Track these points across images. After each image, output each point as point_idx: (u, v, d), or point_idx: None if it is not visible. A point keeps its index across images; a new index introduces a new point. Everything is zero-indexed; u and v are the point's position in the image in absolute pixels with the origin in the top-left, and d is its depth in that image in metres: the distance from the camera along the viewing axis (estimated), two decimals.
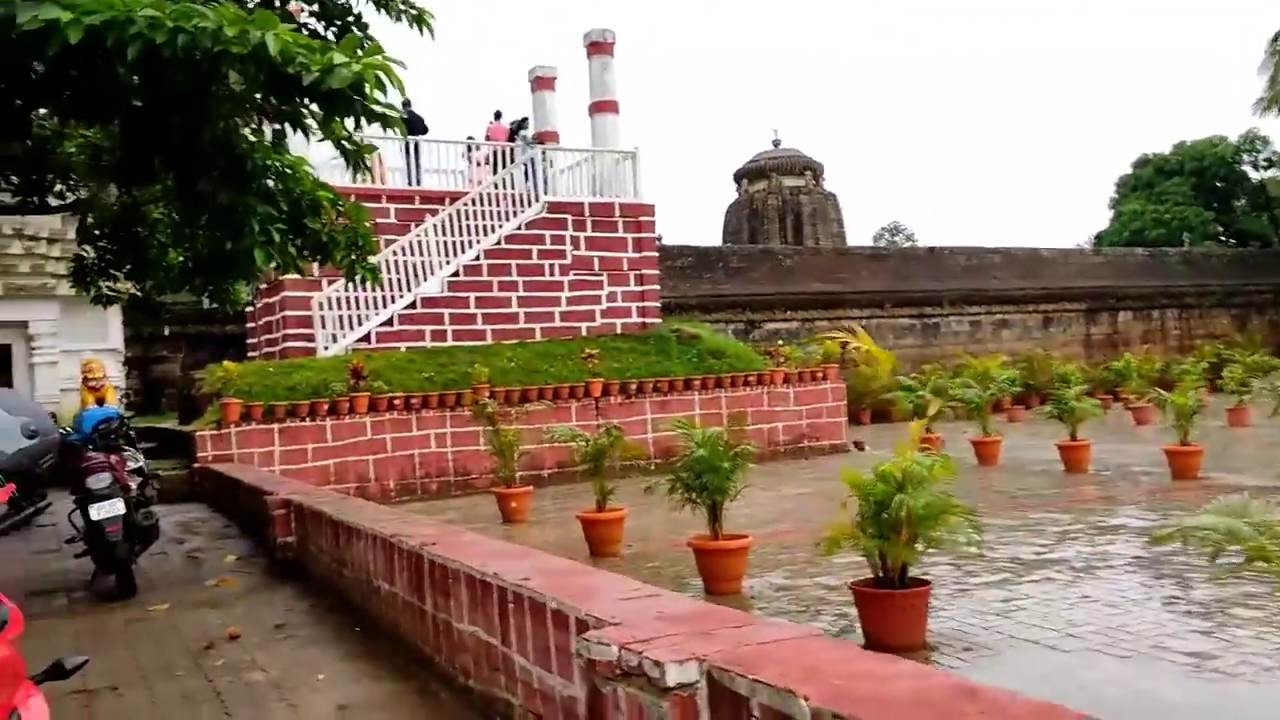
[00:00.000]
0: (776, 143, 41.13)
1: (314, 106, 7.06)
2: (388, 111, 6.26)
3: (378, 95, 6.22)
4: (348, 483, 14.44)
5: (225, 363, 14.43)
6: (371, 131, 7.75)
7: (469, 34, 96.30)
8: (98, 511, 7.25)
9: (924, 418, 16.35)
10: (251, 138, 7.78)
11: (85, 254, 11.81)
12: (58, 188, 10.94)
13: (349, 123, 7.55)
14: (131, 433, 11.77)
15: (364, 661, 5.52)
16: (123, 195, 10.97)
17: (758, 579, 8.33)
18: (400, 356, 16.19)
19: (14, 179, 10.61)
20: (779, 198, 39.01)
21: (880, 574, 6.54)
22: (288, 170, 8.17)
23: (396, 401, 14.87)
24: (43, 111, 9.83)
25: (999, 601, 7.60)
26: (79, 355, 18.11)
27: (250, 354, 19.61)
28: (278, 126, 7.73)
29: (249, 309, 20.01)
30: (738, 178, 40.51)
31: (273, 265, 8.13)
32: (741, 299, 27.06)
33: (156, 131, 7.07)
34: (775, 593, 7.98)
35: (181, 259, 11.43)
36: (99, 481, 7.37)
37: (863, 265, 30.49)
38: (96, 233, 11.50)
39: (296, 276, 17.77)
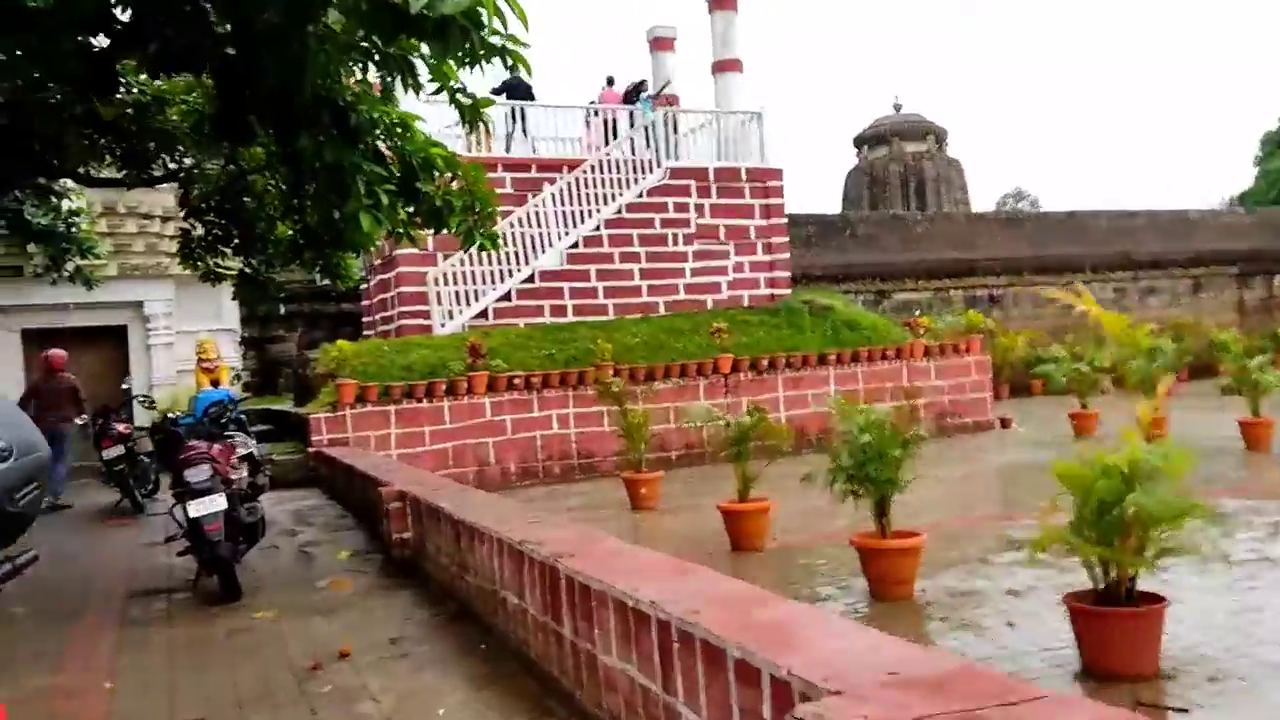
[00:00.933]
0: (898, 107, 39.27)
1: (424, 47, 6.23)
2: (509, 44, 5.34)
3: (496, 26, 5.32)
4: (466, 466, 13.76)
5: (340, 342, 13.88)
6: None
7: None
8: (196, 508, 6.57)
9: (1095, 393, 14.79)
10: (355, 89, 6.97)
11: (192, 228, 11.30)
12: (161, 158, 10.40)
13: (464, 74, 6.72)
14: (243, 416, 11.26)
15: (492, 690, 4.65)
16: (227, 165, 10.41)
17: (928, 580, 7.21)
18: (519, 333, 15.44)
19: (116, 149, 10.11)
20: (901, 164, 37.25)
21: (1102, 586, 5.38)
22: (397, 126, 7.35)
23: (516, 381, 14.11)
24: (142, 78, 9.27)
25: (1228, 613, 6.35)
26: (194, 336, 17.96)
27: (366, 332, 19.18)
28: (385, 75, 6.90)
29: (363, 286, 19.57)
30: (857, 143, 38.80)
31: (383, 233, 7.34)
32: (870, 268, 25.63)
33: (251, 81, 6.30)
34: (953, 599, 6.86)
35: (290, 232, 10.86)
36: (197, 475, 6.69)
37: (998, 231, 28.64)
38: (202, 206, 10.97)
39: (411, 251, 17.25)
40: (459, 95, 6.80)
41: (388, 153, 7.27)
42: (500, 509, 6.01)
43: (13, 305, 16.75)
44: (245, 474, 9.83)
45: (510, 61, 5.37)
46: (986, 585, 7.13)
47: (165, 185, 19.22)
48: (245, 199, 10.76)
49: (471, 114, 6.92)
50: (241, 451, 10.26)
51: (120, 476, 11.33)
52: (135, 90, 9.32)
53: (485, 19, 5.18)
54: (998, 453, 15.08)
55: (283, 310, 20.95)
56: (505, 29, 5.32)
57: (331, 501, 11.24)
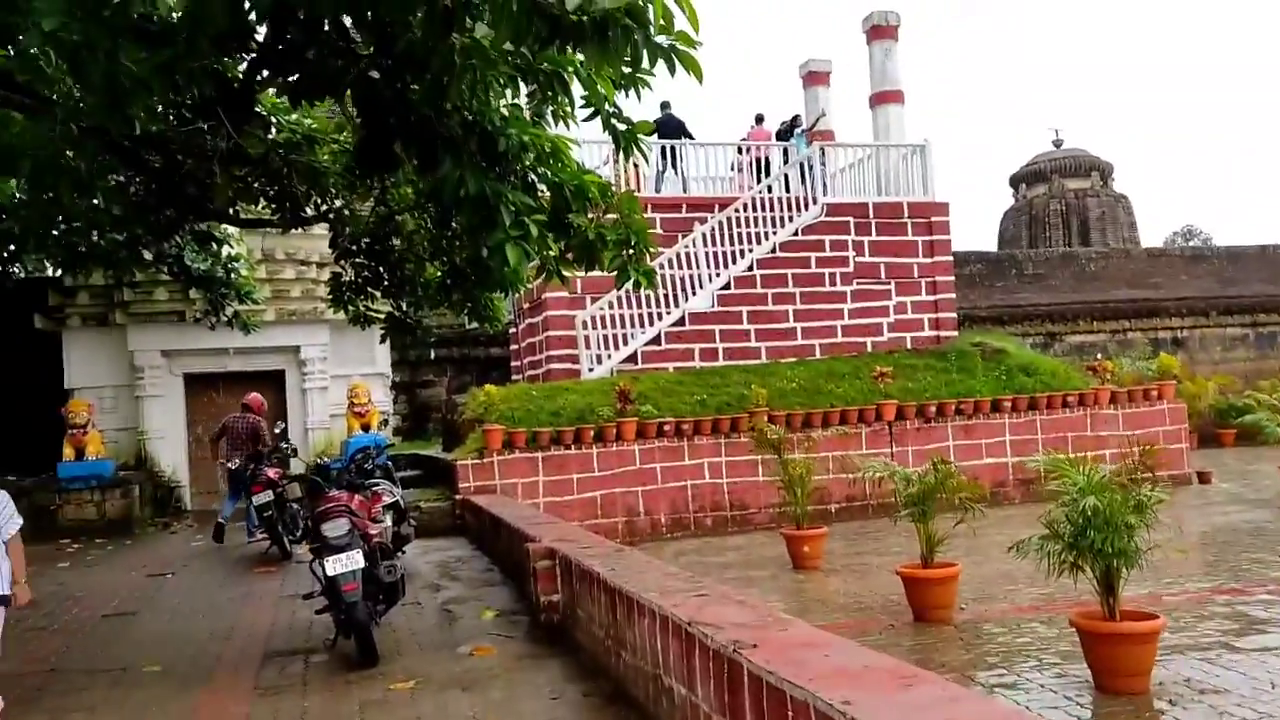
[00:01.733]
0: (1058, 143, 37.37)
1: (578, 58, 5.65)
2: (678, 43, 4.68)
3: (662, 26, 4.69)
4: (615, 516, 13.12)
5: (487, 386, 13.49)
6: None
7: (720, 37, 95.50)
8: (333, 565, 6.06)
9: None
10: (505, 112, 6.45)
11: (342, 271, 11.08)
12: (312, 199, 10.21)
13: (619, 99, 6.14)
14: (389, 462, 10.90)
15: None
16: (377, 206, 10.14)
17: (1160, 667, 6.10)
18: (669, 378, 14.78)
19: (269, 189, 9.96)
20: (1061, 202, 35.32)
21: None
22: (548, 152, 6.80)
23: (667, 427, 13.43)
24: (292, 117, 9.07)
25: None
26: (348, 380, 17.98)
27: (514, 376, 18.89)
28: (535, 96, 6.38)
29: (512, 330, 19.33)
30: (1014, 182, 37.01)
31: (530, 269, 6.78)
32: (1040, 309, 24.05)
33: (395, 106, 5.85)
34: (1199, 695, 5.73)
35: (439, 273, 10.51)
36: (335, 530, 6.19)
37: (1181, 268, 26.56)
38: (352, 248, 10.72)
39: (560, 294, 16.87)
40: (614, 120, 6.22)
41: (538, 183, 6.73)
42: (662, 576, 5.26)
43: (175, 350, 17.10)
44: (389, 523, 9.41)
45: (678, 66, 4.71)
46: (1238, 679, 5.96)
47: (320, 230, 19.58)
48: (394, 240, 10.49)
49: (627, 139, 6.32)
50: (386, 500, 9.87)
51: (269, 523, 11.11)
52: (284, 129, 9.12)
53: (651, 16, 4.55)
54: (1202, 512, 13.51)
55: (432, 355, 20.92)
56: (672, 29, 4.69)
57: (478, 553, 10.73)
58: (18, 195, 9.58)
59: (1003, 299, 23.92)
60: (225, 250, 15.77)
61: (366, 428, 16.01)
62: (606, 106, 6.11)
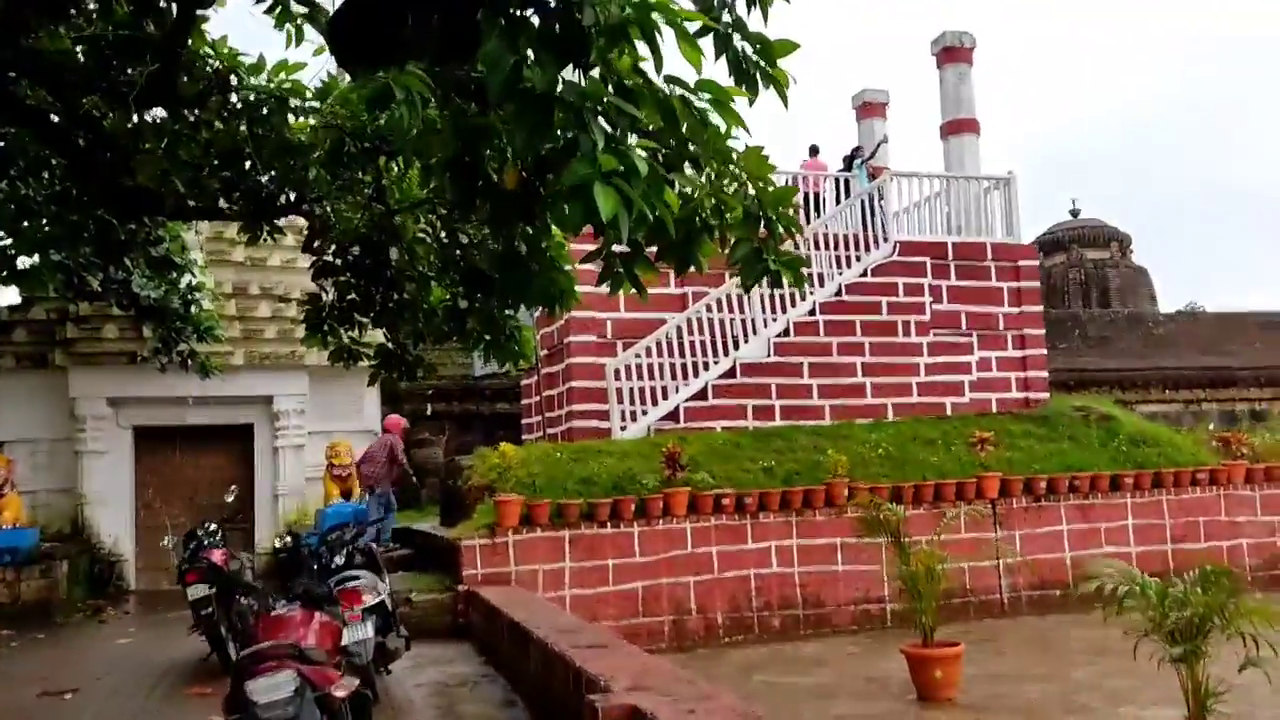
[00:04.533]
0: (1075, 212, 35.57)
1: None
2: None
3: None
4: (660, 614, 10.35)
5: (503, 445, 10.77)
6: None
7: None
8: None
9: None
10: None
11: (322, 292, 8.45)
12: (285, 194, 7.62)
13: None
14: (374, 545, 8.15)
15: None
16: (370, 205, 7.60)
17: None
18: (722, 439, 12.09)
19: (238, 185, 7.39)
20: (1080, 271, 33.32)
21: None
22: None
23: (726, 501, 10.72)
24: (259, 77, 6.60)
25: None
26: (329, 437, 15.28)
27: (525, 436, 16.14)
28: None
29: (524, 382, 16.65)
30: None
31: (626, 225, 4.18)
32: (1108, 375, 21.47)
33: None
34: None
35: (447, 296, 7.95)
36: (270, 692, 3.47)
37: (1256, 334, 24.11)
38: (335, 261, 8.12)
39: (587, 338, 14.21)
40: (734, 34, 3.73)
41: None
42: None
43: (125, 397, 14.38)
44: (370, 633, 6.68)
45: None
46: None
47: (303, 263, 16.95)
48: (390, 251, 7.92)
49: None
50: (368, 600, 7.14)
51: (209, 623, 8.29)
52: (245, 88, 6.59)
53: None
54: None
55: (429, 410, 18.18)
56: None
57: (489, 670, 7.94)
58: None
59: (1065, 362, 21.32)
60: (186, 279, 13.16)
61: (348, 494, 13.29)
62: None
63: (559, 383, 14.73)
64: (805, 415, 13.40)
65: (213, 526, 9.40)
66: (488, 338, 8.15)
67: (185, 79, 5.62)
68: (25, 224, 8.00)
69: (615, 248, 5.01)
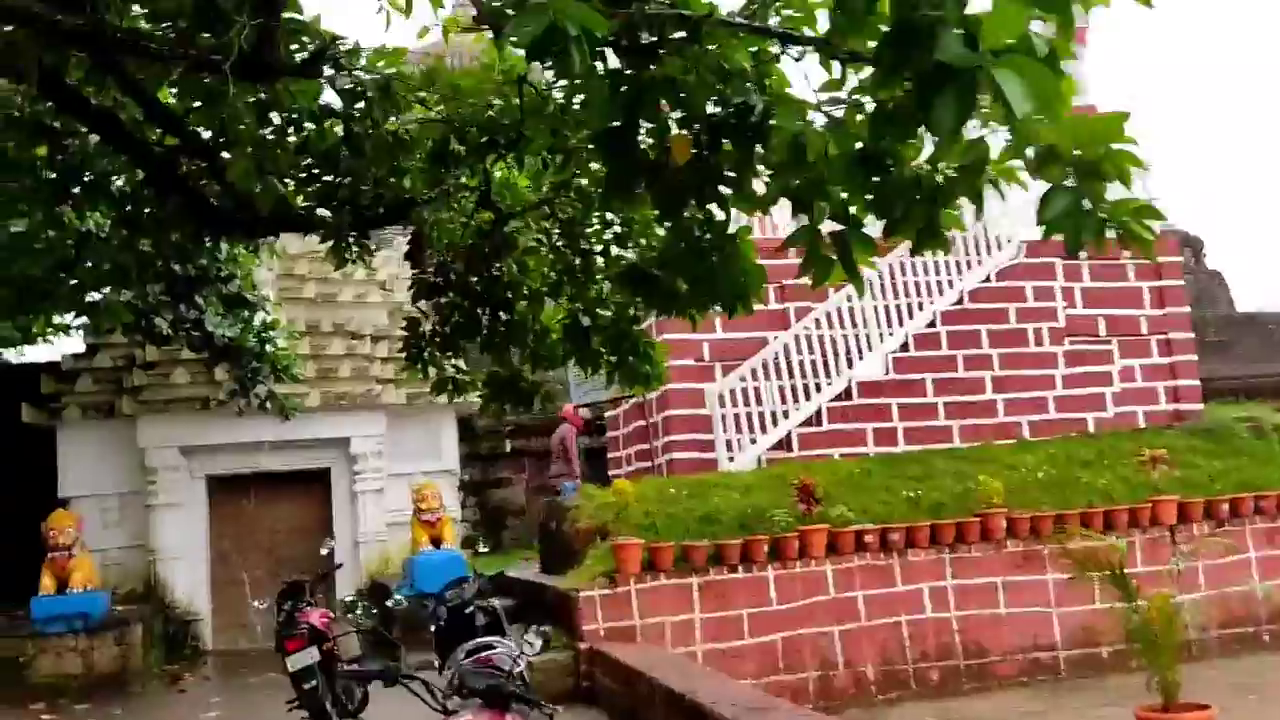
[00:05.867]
0: None
1: None
2: None
3: None
4: (803, 669, 9.14)
5: (619, 482, 9.67)
6: None
7: None
8: None
9: None
10: None
11: (422, 318, 7.43)
12: (380, 200, 6.64)
13: None
14: (496, 605, 7.05)
15: None
16: (476, 211, 6.62)
17: None
18: (849, 468, 10.87)
19: (322, 178, 6.42)
20: None
21: None
22: None
23: (868, 538, 9.52)
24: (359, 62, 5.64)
25: None
26: (408, 479, 14.28)
27: (612, 471, 15.05)
28: None
29: (609, 414, 15.59)
30: None
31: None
32: (1234, 383, 19.89)
33: None
34: None
35: (565, 312, 6.95)
36: None
37: None
38: (437, 280, 7.10)
39: (685, 361, 13.10)
40: None
41: None
42: None
43: (197, 445, 13.49)
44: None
45: None
46: None
47: (375, 298, 16.13)
48: (500, 264, 6.91)
49: None
50: (509, 665, 6.04)
51: (313, 698, 7.21)
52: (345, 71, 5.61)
53: None
54: None
55: (509, 447, 17.16)
56: None
57: None
58: None
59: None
60: (259, 317, 12.30)
61: (438, 541, 12.25)
62: None
63: (652, 412, 13.64)
64: (932, 438, 12.15)
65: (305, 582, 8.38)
66: (613, 359, 7.11)
67: (286, 48, 4.62)
68: (87, 257, 7.12)
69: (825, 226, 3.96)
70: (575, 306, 6.95)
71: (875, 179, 3.79)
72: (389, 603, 11.68)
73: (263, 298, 12.39)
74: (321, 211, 6.29)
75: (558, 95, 5.26)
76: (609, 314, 6.85)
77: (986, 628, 9.65)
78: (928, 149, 3.70)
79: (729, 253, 4.59)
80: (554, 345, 7.16)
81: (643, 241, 6.19)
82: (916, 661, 9.45)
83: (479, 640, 6.14)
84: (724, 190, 4.25)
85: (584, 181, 6.42)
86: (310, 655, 7.25)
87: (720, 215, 4.66)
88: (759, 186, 4.22)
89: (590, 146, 5.33)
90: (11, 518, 13.87)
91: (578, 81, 3.96)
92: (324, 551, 9.30)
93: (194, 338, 11.86)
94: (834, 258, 3.95)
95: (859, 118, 3.62)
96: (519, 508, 17.04)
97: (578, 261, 6.91)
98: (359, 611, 6.65)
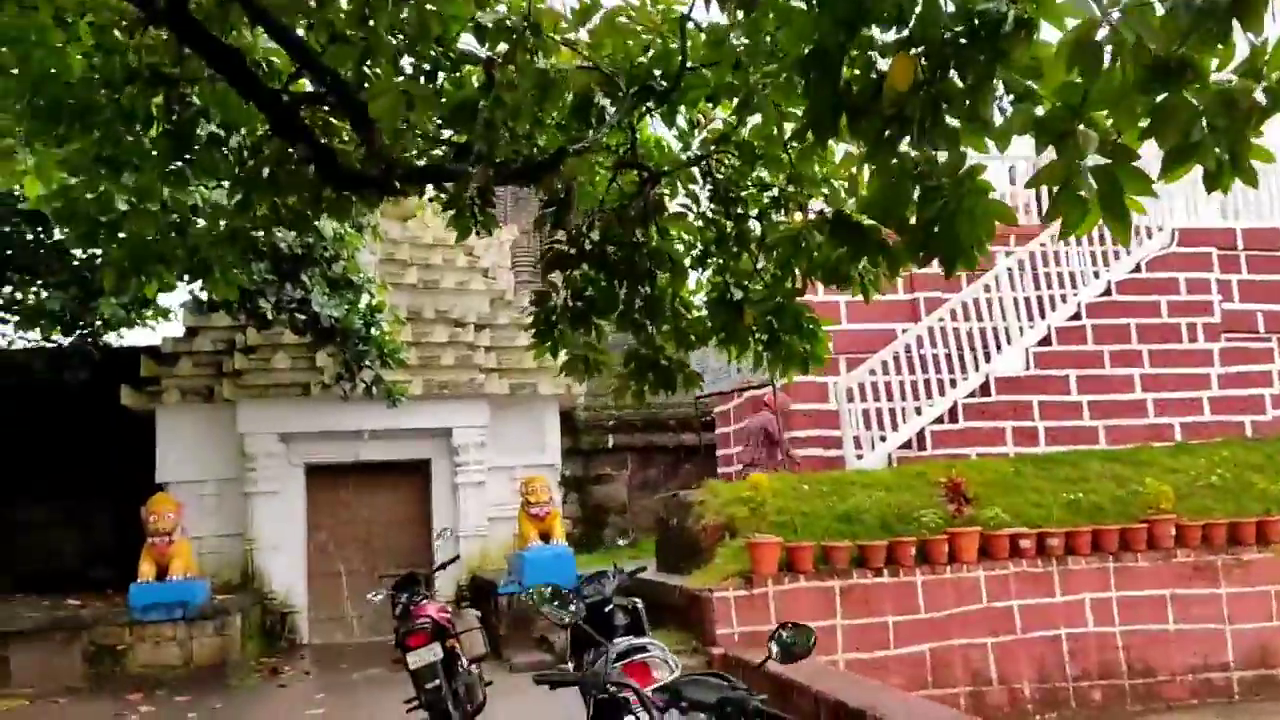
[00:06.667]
0: None
1: None
2: None
3: None
4: (954, 684, 8.35)
5: (754, 476, 9.00)
6: None
7: None
8: None
9: None
10: None
11: (552, 292, 6.80)
12: (516, 154, 6.04)
13: None
14: (638, 603, 6.41)
15: None
16: (617, 172, 6.04)
17: None
18: (997, 468, 10.03)
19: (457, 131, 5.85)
20: None
21: None
22: None
23: (1024, 543, 8.69)
24: None
25: None
26: (509, 473, 13.79)
27: (721, 469, 14.39)
28: None
29: (718, 409, 14.90)
30: None
31: None
32: None
33: None
34: None
35: (710, 287, 6.36)
36: None
37: None
38: (570, 251, 6.50)
39: None
40: None
41: None
42: None
43: (296, 433, 13.12)
44: None
45: None
46: None
47: (478, 285, 15.64)
48: (642, 232, 6.28)
49: None
50: (662, 678, 5.40)
51: (435, 697, 6.64)
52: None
53: None
54: None
55: (611, 443, 16.58)
56: None
57: None
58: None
59: None
60: (364, 299, 11.89)
61: (546, 536, 11.68)
62: None
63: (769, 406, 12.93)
64: (1076, 438, 11.24)
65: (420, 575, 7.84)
66: (764, 338, 6.42)
67: None
68: (202, 219, 6.64)
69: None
70: (723, 279, 6.31)
71: (1163, 97, 3.08)
72: (523, 596, 11.18)
73: (368, 279, 11.98)
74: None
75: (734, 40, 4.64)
76: (761, 287, 6.19)
77: (1154, 644, 8.75)
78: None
79: (965, 191, 3.88)
80: (696, 322, 6.51)
81: (839, 186, 5.52)
82: (1077, 679, 8.58)
83: (631, 641, 5.51)
84: (952, 122, 3.57)
85: (745, 133, 5.79)
86: (433, 652, 6.69)
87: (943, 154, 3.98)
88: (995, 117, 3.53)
89: (768, 86, 4.71)
90: (111, 503, 13.72)
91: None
92: (438, 539, 8.78)
93: (298, 319, 11.49)
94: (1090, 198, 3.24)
95: (1157, 13, 2.92)
96: (620, 505, 16.43)
97: (730, 227, 6.26)
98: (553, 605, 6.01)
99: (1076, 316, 11.82)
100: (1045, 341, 11.73)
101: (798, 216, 5.99)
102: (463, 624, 6.98)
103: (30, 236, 12.57)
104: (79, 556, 13.83)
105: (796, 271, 5.93)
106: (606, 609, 6.12)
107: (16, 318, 12.27)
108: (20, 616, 9.96)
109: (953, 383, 11.42)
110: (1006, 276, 11.74)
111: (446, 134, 5.76)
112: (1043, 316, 11.77)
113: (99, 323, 12.22)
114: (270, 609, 12.72)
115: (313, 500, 13.59)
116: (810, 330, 6.28)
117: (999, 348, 11.60)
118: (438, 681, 6.61)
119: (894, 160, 4.01)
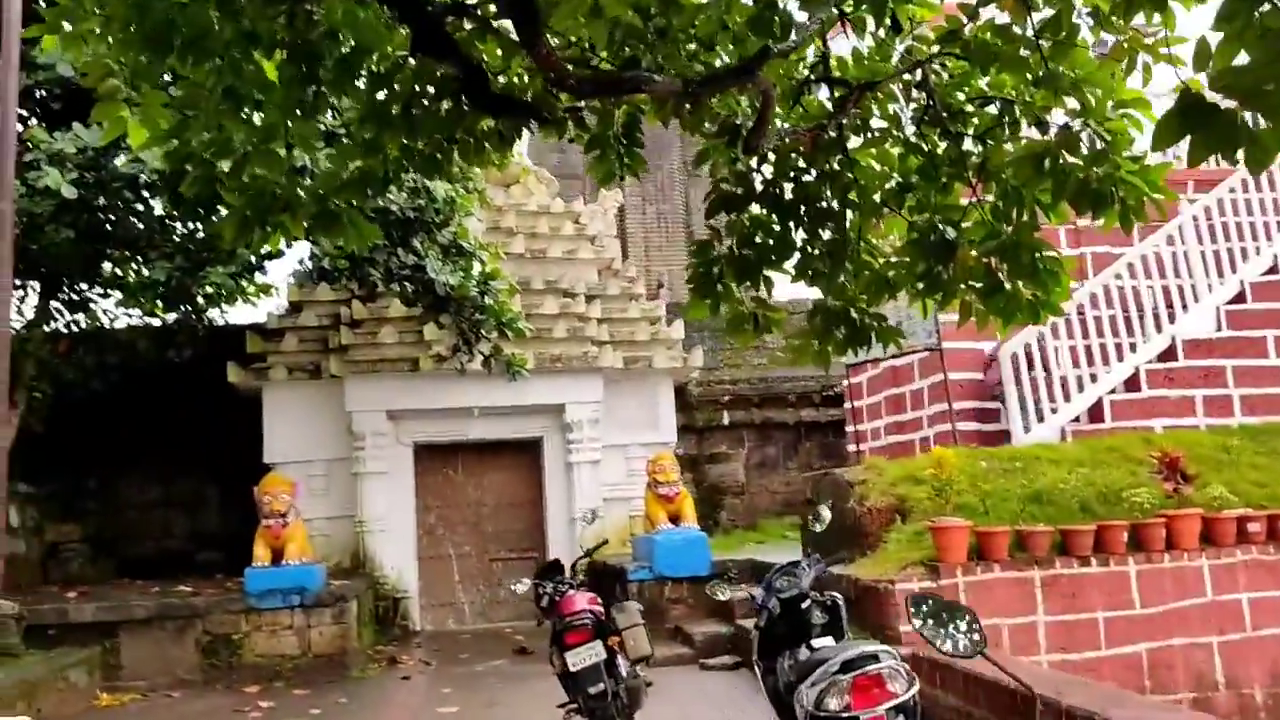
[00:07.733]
0: None
1: None
2: None
3: None
4: (1174, 689, 7.23)
5: (937, 449, 7.96)
6: None
7: None
8: None
9: None
10: None
11: (715, 240, 5.81)
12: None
13: None
14: (838, 598, 5.43)
15: None
16: (799, 97, 5.06)
17: None
18: (1202, 440, 8.83)
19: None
20: None
21: None
22: None
23: (1252, 526, 7.52)
24: None
25: None
26: (624, 452, 12.97)
27: (852, 446, 13.32)
28: None
29: (850, 381, 13.81)
30: None
31: None
32: None
33: None
34: None
35: (905, 227, 5.37)
36: None
37: None
38: (738, 190, 5.54)
39: (954, 318, 11.30)
40: None
41: None
42: None
43: (405, 410, 12.43)
44: None
45: None
46: None
47: (587, 254, 14.71)
48: (830, 164, 5.31)
49: None
50: (899, 694, 4.46)
51: (600, 704, 5.76)
52: None
53: None
54: None
55: (727, 419, 15.61)
56: None
57: None
58: None
59: None
60: (477, 267, 11.09)
61: (676, 518, 10.79)
62: None
63: (913, 377, 11.86)
64: (1273, 408, 9.97)
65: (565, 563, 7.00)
66: (979, 285, 5.36)
67: None
68: (328, 159, 5.83)
69: None
70: (925, 218, 5.28)
71: None
72: (630, 581, 10.35)
73: (480, 245, 11.19)
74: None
75: None
76: (975, 224, 5.15)
77: None
78: None
79: None
80: (894, 267, 5.48)
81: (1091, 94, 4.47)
82: None
83: (861, 649, 4.56)
84: None
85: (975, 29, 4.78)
86: (595, 652, 5.82)
87: None
88: None
89: None
90: (218, 484, 13.20)
91: None
92: (585, 520, 7.95)
93: (409, 288, 10.74)
94: None
95: None
96: (738, 486, 15.48)
97: (942, 151, 5.22)
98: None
99: (1273, 269, 10.49)
100: (1239, 299, 10.42)
101: (1034, 133, 4.97)
102: (625, 619, 6.08)
103: (129, 210, 12.01)
104: (186, 539, 13.36)
105: (1030, 204, 4.94)
106: (804, 605, 5.18)
107: (120, 293, 11.74)
108: (131, 605, 9.37)
109: (1132, 347, 10.21)
110: (1191, 225, 10.46)
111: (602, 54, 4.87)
112: (1234, 270, 10.46)
113: (202, 299, 11.64)
114: (382, 594, 12.07)
115: (421, 481, 12.91)
116: (1051, 272, 5.20)
117: (1184, 307, 10.34)
118: (603, 686, 5.74)
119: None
